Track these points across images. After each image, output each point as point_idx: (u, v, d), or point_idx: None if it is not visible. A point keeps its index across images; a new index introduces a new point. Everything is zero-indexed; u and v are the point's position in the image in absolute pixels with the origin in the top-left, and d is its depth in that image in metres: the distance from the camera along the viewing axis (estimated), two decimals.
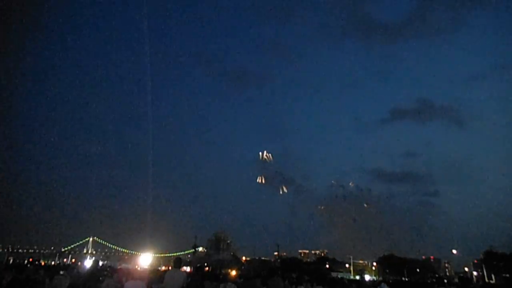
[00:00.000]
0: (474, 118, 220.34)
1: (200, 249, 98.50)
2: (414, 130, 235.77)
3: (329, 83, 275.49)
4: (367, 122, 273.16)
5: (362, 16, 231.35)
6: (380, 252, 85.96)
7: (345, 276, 56.07)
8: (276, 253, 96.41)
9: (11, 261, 55.57)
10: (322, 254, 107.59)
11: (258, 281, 10.16)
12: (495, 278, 62.05)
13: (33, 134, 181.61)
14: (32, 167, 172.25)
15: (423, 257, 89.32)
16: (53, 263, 61.48)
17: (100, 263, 45.71)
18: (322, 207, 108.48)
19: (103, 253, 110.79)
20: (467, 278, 62.98)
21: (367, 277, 70.50)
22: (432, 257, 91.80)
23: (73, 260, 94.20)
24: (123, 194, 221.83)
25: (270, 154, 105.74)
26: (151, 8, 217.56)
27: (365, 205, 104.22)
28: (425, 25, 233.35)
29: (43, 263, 50.40)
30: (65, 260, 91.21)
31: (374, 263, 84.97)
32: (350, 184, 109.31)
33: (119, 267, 52.50)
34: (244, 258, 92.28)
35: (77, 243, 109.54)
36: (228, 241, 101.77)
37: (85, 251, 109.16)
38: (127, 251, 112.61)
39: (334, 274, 57.30)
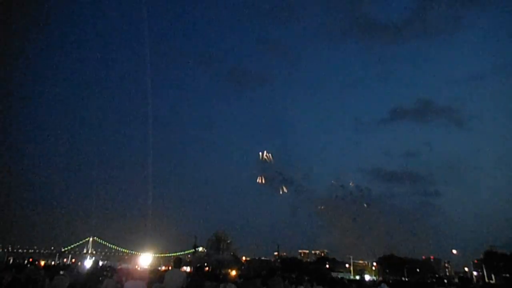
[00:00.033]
0: (474, 118, 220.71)
1: (200, 249, 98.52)
2: (414, 130, 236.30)
3: (329, 83, 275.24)
4: (367, 122, 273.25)
5: (362, 16, 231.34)
6: (380, 252, 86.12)
7: (345, 276, 56.08)
8: (276, 253, 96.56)
9: (11, 261, 55.46)
10: (322, 254, 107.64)
11: (258, 281, 10.15)
12: (495, 278, 62.06)
13: (33, 134, 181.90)
14: (32, 167, 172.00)
15: (423, 257, 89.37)
16: (53, 263, 61.35)
17: (100, 263, 45.69)
18: (322, 207, 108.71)
19: (103, 253, 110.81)
20: (467, 278, 62.98)
21: (367, 277, 70.47)
22: (432, 257, 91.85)
23: (73, 260, 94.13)
24: (123, 194, 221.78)
25: (270, 154, 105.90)
26: (151, 8, 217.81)
27: (365, 205, 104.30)
28: (425, 25, 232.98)
29: (43, 263, 50.40)
30: (65, 260, 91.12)
31: (374, 263, 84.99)
32: (350, 184, 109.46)
33: (119, 267, 52.53)
34: (244, 258, 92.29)
35: (77, 243, 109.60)
36: (228, 241, 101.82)
37: (85, 251, 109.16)
38: (127, 251, 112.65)
39: (334, 274, 57.24)
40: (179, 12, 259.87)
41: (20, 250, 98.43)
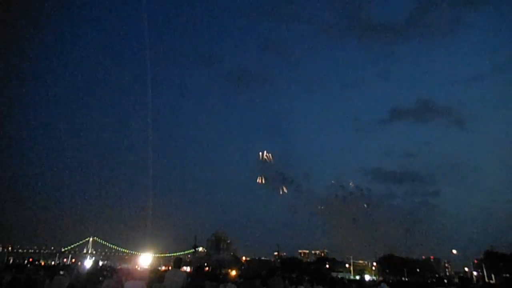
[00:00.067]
0: (474, 118, 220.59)
1: (200, 249, 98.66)
2: (414, 130, 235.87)
3: (329, 83, 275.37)
4: (367, 122, 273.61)
5: (362, 16, 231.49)
6: (380, 252, 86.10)
7: (345, 276, 56.07)
8: (276, 253, 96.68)
9: (11, 261, 55.55)
10: (322, 254, 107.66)
11: (258, 281, 10.14)
12: (495, 278, 62.03)
13: (33, 134, 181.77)
14: (32, 167, 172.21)
15: (423, 257, 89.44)
16: (53, 263, 61.46)
17: (100, 263, 45.77)
18: (322, 207, 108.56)
19: (103, 253, 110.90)
20: (467, 278, 63.00)
21: (367, 277, 70.46)
22: (432, 257, 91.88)
23: (73, 260, 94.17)
24: (123, 194, 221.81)
25: (270, 154, 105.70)
26: (151, 8, 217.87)
27: (365, 205, 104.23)
28: (425, 26, 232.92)
29: (43, 263, 50.42)
30: (65, 260, 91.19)
31: (374, 263, 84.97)
32: (350, 184, 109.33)
33: (119, 267, 52.54)
34: (244, 258, 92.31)
35: (77, 243, 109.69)
36: (228, 241, 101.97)
37: (85, 251, 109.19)
38: (127, 251, 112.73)
39: (334, 274, 57.27)
40: (179, 12, 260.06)
41: (20, 250, 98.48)
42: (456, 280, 59.65)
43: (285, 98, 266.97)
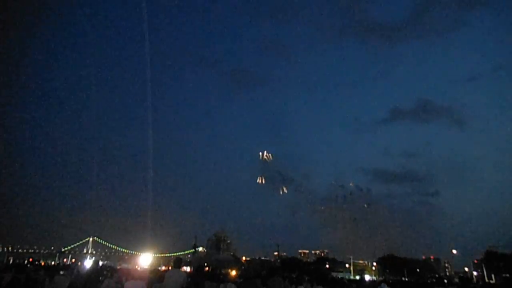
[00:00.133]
0: (474, 118, 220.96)
1: (200, 249, 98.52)
2: (414, 130, 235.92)
3: (329, 83, 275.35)
4: (367, 122, 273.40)
5: (362, 16, 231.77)
6: (380, 252, 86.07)
7: (345, 276, 56.09)
8: (276, 253, 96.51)
9: (11, 261, 55.65)
10: (322, 254, 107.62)
11: (258, 281, 10.16)
12: (495, 278, 62.03)
13: (33, 134, 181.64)
14: (32, 167, 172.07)
15: (423, 257, 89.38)
16: (53, 263, 61.50)
17: (100, 263, 45.72)
18: (322, 207, 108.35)
19: (103, 253, 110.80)
20: (467, 278, 63.02)
21: (367, 277, 70.47)
22: (432, 257, 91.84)
23: (73, 260, 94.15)
24: (123, 194, 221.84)
25: (270, 154, 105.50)
26: (152, 8, 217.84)
27: (365, 205, 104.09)
28: (425, 26, 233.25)
29: (43, 263, 50.46)
30: (65, 260, 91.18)
31: (374, 263, 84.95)
32: (350, 184, 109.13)
33: (119, 267, 52.59)
34: (244, 258, 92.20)
35: (77, 243, 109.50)
36: (228, 241, 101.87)
37: (85, 251, 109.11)
38: (127, 251, 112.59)
39: (334, 274, 57.28)
40: (179, 12, 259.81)
41: (20, 250, 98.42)
42: (456, 280, 59.68)
43: (285, 98, 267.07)
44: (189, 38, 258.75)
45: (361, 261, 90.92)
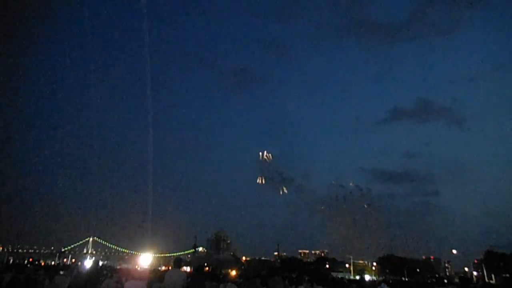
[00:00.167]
0: (474, 118, 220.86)
1: (200, 249, 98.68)
2: (414, 130, 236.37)
3: (329, 83, 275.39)
4: (367, 122, 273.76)
5: (362, 16, 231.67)
6: (380, 252, 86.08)
7: (345, 276, 56.06)
8: (276, 253, 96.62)
9: (11, 261, 55.64)
10: (322, 254, 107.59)
11: (258, 281, 10.15)
12: (495, 278, 62.03)
13: (33, 134, 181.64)
14: (33, 167, 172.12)
15: (423, 257, 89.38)
16: (53, 263, 61.50)
17: (100, 263, 45.70)
18: (322, 207, 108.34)
19: (103, 253, 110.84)
20: (467, 278, 63.01)
21: (367, 277, 70.45)
22: (432, 257, 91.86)
23: (73, 260, 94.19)
24: (123, 194, 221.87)
25: (270, 154, 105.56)
26: (152, 8, 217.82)
27: (365, 205, 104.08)
28: (425, 26, 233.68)
29: (43, 263, 50.47)
30: (65, 260, 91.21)
31: (374, 263, 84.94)
32: (350, 184, 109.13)
33: (119, 267, 52.59)
34: (244, 258, 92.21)
35: (77, 243, 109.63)
36: (228, 241, 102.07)
37: (85, 251, 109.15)
38: (127, 251, 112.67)
39: (334, 274, 57.26)
40: (180, 12, 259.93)
41: (20, 250, 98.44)
42: (456, 280, 59.68)
43: (285, 98, 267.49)
44: (190, 38, 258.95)
45: (361, 261, 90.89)
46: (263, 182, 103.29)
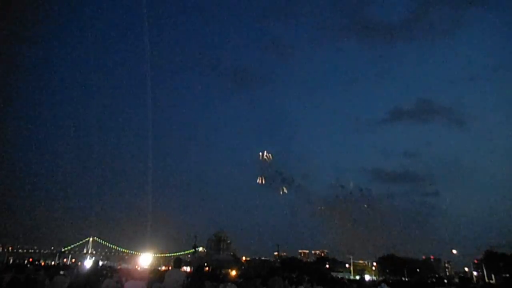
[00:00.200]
0: (474, 118, 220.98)
1: (200, 249, 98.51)
2: (414, 130, 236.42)
3: (329, 83, 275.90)
4: (367, 122, 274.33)
5: (362, 16, 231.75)
6: (380, 252, 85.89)
7: (345, 276, 56.05)
8: (276, 253, 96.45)
9: (11, 261, 55.56)
10: (322, 254, 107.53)
11: (258, 281, 10.15)
12: (495, 278, 62.01)
13: (33, 134, 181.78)
14: (32, 167, 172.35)
15: (423, 257, 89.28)
16: (53, 263, 61.45)
17: (100, 263, 45.75)
18: (322, 207, 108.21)
19: (103, 253, 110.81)
20: (467, 278, 63.02)
21: (367, 277, 70.45)
22: (432, 257, 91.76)
23: (73, 260, 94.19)
24: (123, 194, 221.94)
25: (270, 154, 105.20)
26: (152, 8, 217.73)
27: (365, 205, 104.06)
28: (425, 26, 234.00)
29: (43, 263, 50.42)
30: (65, 260, 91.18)
31: (374, 263, 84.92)
32: (350, 184, 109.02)
33: (119, 267, 52.59)
34: (244, 258, 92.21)
35: (77, 243, 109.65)
36: (228, 241, 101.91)
37: (85, 251, 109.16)
38: (127, 251, 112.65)
39: (334, 274, 57.24)
40: (180, 13, 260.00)
41: (20, 250, 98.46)
42: (456, 280, 59.67)
43: (285, 98, 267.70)
44: (190, 38, 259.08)
45: (361, 261, 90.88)
46: (263, 182, 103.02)
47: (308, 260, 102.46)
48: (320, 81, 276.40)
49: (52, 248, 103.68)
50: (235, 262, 74.09)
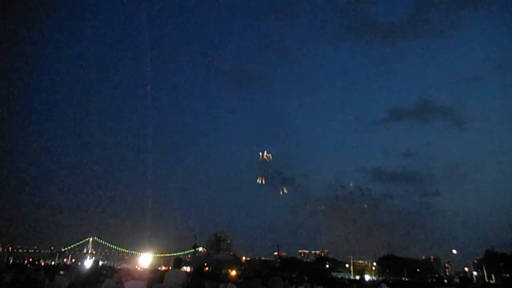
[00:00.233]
0: (474, 118, 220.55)
1: (200, 249, 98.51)
2: (414, 130, 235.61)
3: (329, 83, 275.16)
4: (367, 122, 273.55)
5: (362, 16, 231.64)
6: (380, 252, 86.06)
7: (345, 276, 56.08)
8: (276, 253, 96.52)
9: (11, 261, 55.58)
10: (322, 254, 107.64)
11: (258, 281, 10.14)
12: (495, 278, 62.05)
13: (33, 134, 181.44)
14: (32, 167, 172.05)
15: (423, 257, 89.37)
16: (53, 263, 61.44)
17: (100, 263, 45.69)
18: (322, 207, 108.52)
19: (103, 253, 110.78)
20: (467, 278, 63.03)
21: (367, 277, 70.49)
22: (432, 257, 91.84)
23: (73, 260, 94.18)
24: (123, 194, 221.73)
25: (270, 154, 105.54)
26: (151, 8, 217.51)
27: (365, 205, 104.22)
28: (425, 26, 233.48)
29: (43, 263, 50.44)
30: (65, 260, 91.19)
31: (374, 263, 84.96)
32: (350, 184, 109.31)
33: (119, 267, 52.59)
34: (244, 258, 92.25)
35: (77, 243, 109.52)
36: (228, 241, 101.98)
37: (85, 251, 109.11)
38: (127, 251, 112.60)
39: (334, 274, 57.28)
40: (180, 12, 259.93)
41: (20, 250, 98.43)
42: (456, 280, 59.67)
43: (285, 98, 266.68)
44: (189, 38, 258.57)
45: (361, 261, 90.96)
46: (263, 182, 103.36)
47: (308, 260, 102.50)
48: (320, 81, 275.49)
49: (52, 248, 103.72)
50: (235, 262, 74.08)
